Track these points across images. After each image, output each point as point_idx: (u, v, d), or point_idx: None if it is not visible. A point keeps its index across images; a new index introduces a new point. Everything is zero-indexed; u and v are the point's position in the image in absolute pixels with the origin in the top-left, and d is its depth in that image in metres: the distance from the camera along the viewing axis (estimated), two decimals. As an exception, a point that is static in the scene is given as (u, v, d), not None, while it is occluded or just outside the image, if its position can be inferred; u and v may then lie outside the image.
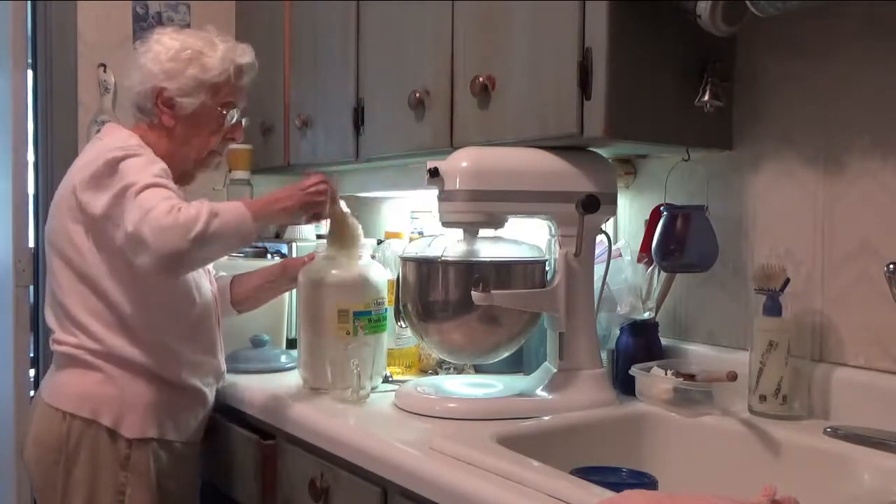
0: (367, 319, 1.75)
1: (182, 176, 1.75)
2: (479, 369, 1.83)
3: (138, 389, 1.62)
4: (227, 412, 1.83)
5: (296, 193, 1.64)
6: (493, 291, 1.46)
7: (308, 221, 1.74)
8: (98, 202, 1.56)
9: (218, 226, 1.50)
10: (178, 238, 1.45)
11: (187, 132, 1.71)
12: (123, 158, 1.57)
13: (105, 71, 2.56)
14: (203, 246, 1.49)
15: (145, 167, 1.57)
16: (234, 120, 1.76)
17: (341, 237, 1.77)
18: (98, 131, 1.91)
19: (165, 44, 1.71)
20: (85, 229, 1.60)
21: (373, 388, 1.70)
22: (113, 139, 1.65)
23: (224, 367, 1.81)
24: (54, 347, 1.66)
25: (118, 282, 1.61)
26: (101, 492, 1.60)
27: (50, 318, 1.69)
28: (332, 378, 1.65)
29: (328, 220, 1.78)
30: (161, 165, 1.60)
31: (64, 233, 1.63)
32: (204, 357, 1.72)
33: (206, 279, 1.77)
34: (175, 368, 1.66)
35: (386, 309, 1.80)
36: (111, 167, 1.56)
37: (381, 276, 1.81)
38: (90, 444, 1.60)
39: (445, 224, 1.57)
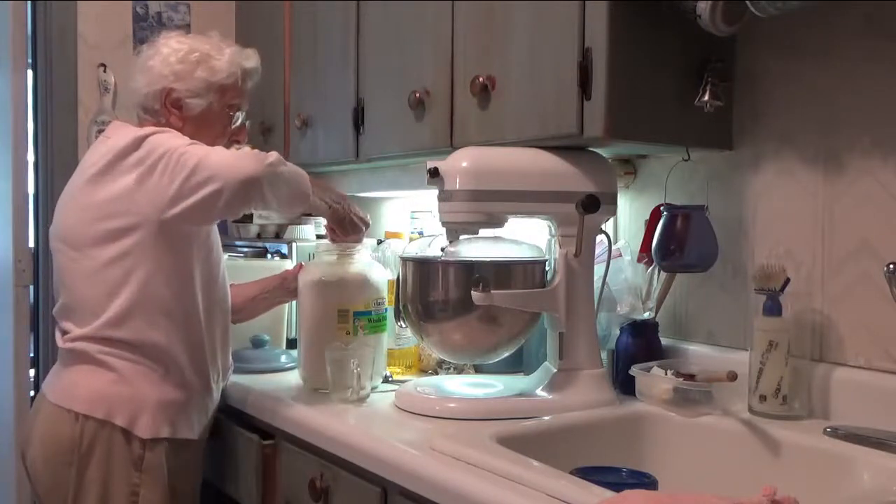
0: (367, 319, 1.75)
1: None
2: (479, 369, 1.83)
3: (151, 388, 1.62)
4: (227, 412, 1.83)
5: (347, 207, 1.78)
6: (493, 291, 1.46)
7: (328, 227, 1.83)
8: (127, 177, 1.57)
9: (287, 170, 1.63)
10: (254, 163, 1.56)
11: (194, 133, 1.71)
12: (148, 135, 1.61)
13: (105, 71, 2.56)
14: (274, 180, 1.58)
15: (177, 137, 1.62)
16: (238, 122, 1.79)
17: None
18: (99, 132, 1.91)
19: (173, 47, 1.74)
20: (110, 215, 1.59)
21: (373, 389, 1.70)
22: (126, 132, 1.65)
23: (231, 362, 1.82)
24: (65, 345, 1.64)
25: (150, 263, 1.59)
26: (114, 493, 1.59)
27: (62, 318, 1.67)
28: (332, 378, 1.65)
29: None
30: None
31: (82, 225, 1.61)
32: (219, 348, 1.73)
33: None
34: (183, 366, 1.66)
35: (386, 309, 1.80)
36: (135, 144, 1.59)
37: (381, 276, 1.81)
38: (104, 445, 1.59)
39: (445, 224, 1.57)
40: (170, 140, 1.60)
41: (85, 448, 1.58)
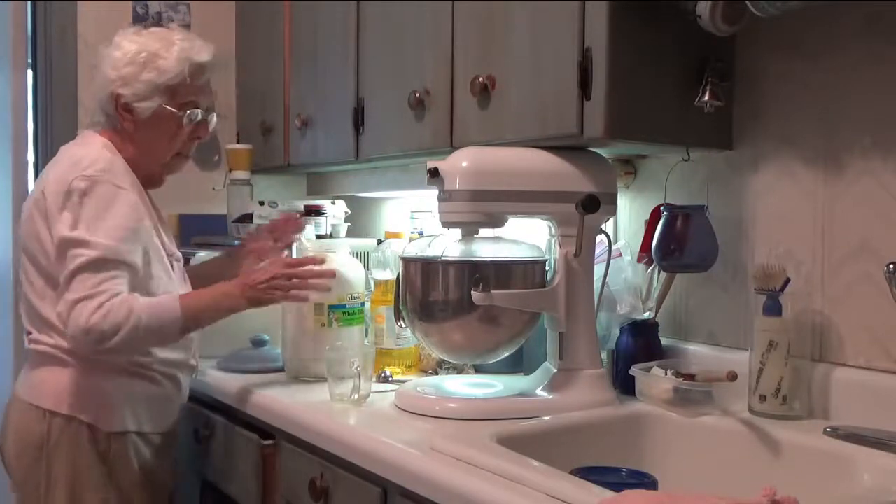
0: (343, 312, 1.86)
1: (149, 178, 1.75)
2: (479, 369, 1.83)
3: (115, 385, 1.64)
4: (227, 412, 1.83)
5: (244, 291, 1.65)
6: (493, 291, 1.46)
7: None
8: (59, 225, 1.56)
9: (142, 335, 1.55)
10: (92, 343, 1.52)
11: (149, 136, 1.70)
12: (87, 191, 1.56)
13: (105, 71, 2.55)
14: (117, 352, 1.57)
15: (106, 212, 1.56)
16: (197, 119, 1.73)
17: None
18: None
19: (124, 48, 1.69)
20: (50, 235, 1.60)
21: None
22: (86, 152, 1.64)
23: (195, 361, 1.79)
24: (31, 346, 1.67)
25: None
26: (83, 487, 1.61)
27: (25, 318, 1.70)
28: (331, 378, 1.64)
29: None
30: (124, 207, 1.59)
31: (34, 236, 1.63)
32: (176, 354, 1.72)
33: (176, 275, 1.75)
34: (148, 365, 1.67)
35: (362, 304, 1.90)
36: (73, 196, 1.56)
37: (358, 274, 1.92)
38: (71, 441, 1.61)
39: (445, 224, 1.57)
40: (92, 226, 1.55)
41: (53, 444, 1.61)
